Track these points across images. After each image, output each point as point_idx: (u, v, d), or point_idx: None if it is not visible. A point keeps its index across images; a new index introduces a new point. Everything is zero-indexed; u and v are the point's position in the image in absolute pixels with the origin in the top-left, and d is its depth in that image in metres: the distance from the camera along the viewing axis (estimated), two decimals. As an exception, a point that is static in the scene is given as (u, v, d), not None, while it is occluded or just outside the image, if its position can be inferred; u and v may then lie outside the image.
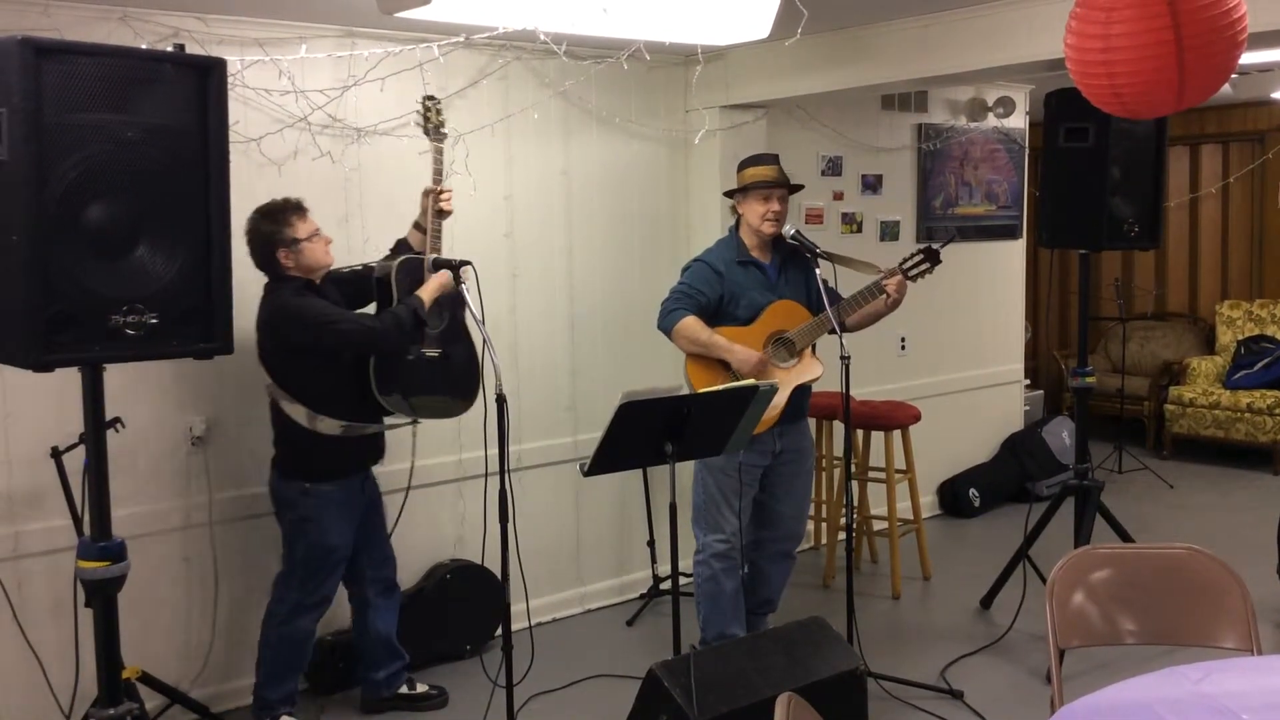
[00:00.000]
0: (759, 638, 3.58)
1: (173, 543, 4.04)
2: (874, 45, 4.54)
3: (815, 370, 4.12)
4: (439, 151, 3.88)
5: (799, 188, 4.21)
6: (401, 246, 3.98)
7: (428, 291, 3.75)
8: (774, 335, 4.07)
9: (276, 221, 3.68)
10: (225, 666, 4.15)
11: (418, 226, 3.95)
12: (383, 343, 3.70)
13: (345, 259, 4.30)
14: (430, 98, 3.90)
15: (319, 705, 4.13)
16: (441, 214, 3.87)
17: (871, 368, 5.91)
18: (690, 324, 4.00)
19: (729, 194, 4.21)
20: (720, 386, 3.56)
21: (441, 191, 3.87)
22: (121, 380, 3.64)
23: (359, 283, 3.97)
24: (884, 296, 4.02)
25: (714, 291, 4.06)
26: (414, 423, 3.97)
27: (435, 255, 3.80)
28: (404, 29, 4.22)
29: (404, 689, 4.12)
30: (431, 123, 3.88)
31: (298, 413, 3.72)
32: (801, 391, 4.14)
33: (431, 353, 3.83)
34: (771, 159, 4.15)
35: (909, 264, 4.05)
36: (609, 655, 4.58)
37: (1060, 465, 6.81)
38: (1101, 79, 2.45)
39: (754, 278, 4.12)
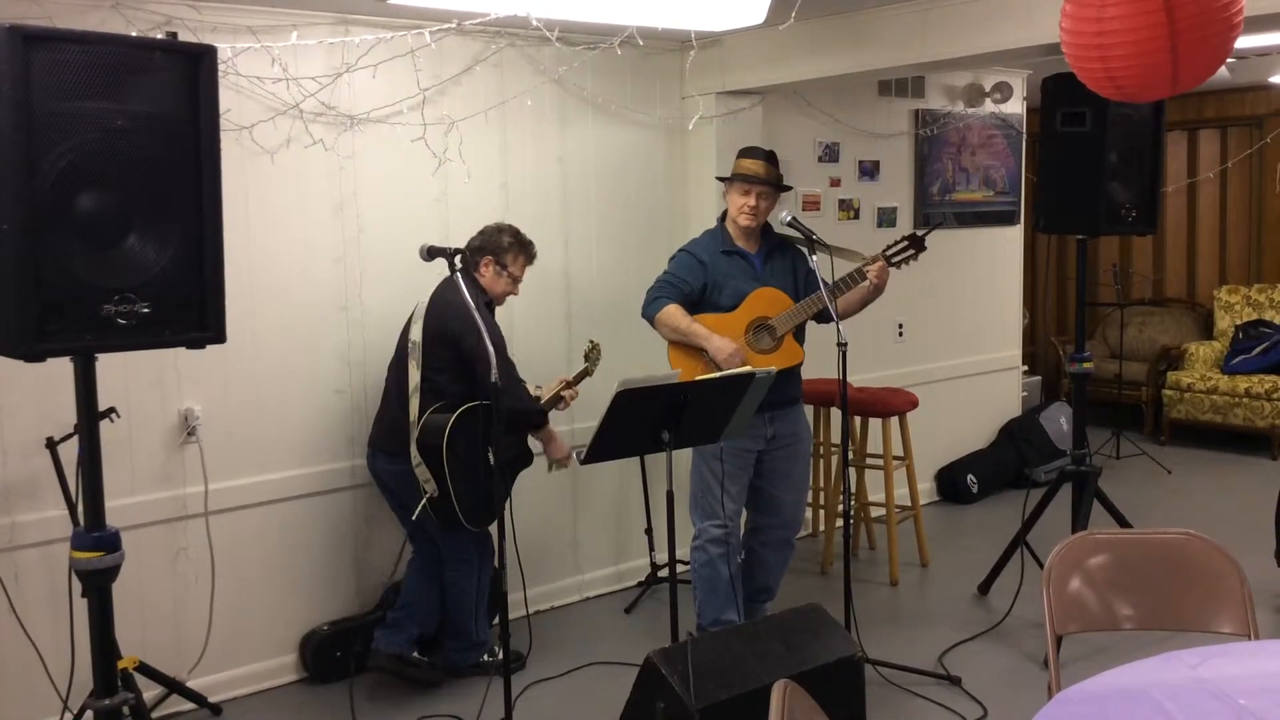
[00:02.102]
0: (757, 625, 3.58)
1: (169, 533, 4.03)
2: (871, 30, 4.53)
3: (796, 356, 4.12)
4: (588, 373, 4.41)
5: (785, 188, 4.22)
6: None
7: (551, 431, 4.22)
8: (755, 321, 4.08)
9: (515, 246, 4.11)
10: (222, 656, 4.14)
11: (538, 388, 4.30)
12: (509, 411, 3.83)
13: (339, 248, 4.31)
14: (595, 344, 4.46)
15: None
16: (560, 402, 4.28)
17: (869, 354, 5.91)
18: (671, 312, 4.05)
19: (722, 179, 4.22)
20: (716, 374, 3.55)
21: (573, 390, 4.32)
22: (116, 370, 3.63)
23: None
24: (866, 283, 4.03)
25: (697, 280, 4.10)
26: (423, 499, 3.92)
27: (429, 245, 3.76)
28: (397, 15, 4.20)
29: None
30: (590, 360, 4.43)
31: (414, 379, 3.94)
32: (791, 378, 4.14)
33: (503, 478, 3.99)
34: (763, 154, 4.16)
35: (892, 250, 4.08)
36: (607, 643, 4.58)
37: (1058, 451, 6.81)
38: (1096, 63, 2.44)
39: (738, 267, 4.14)
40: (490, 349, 3.36)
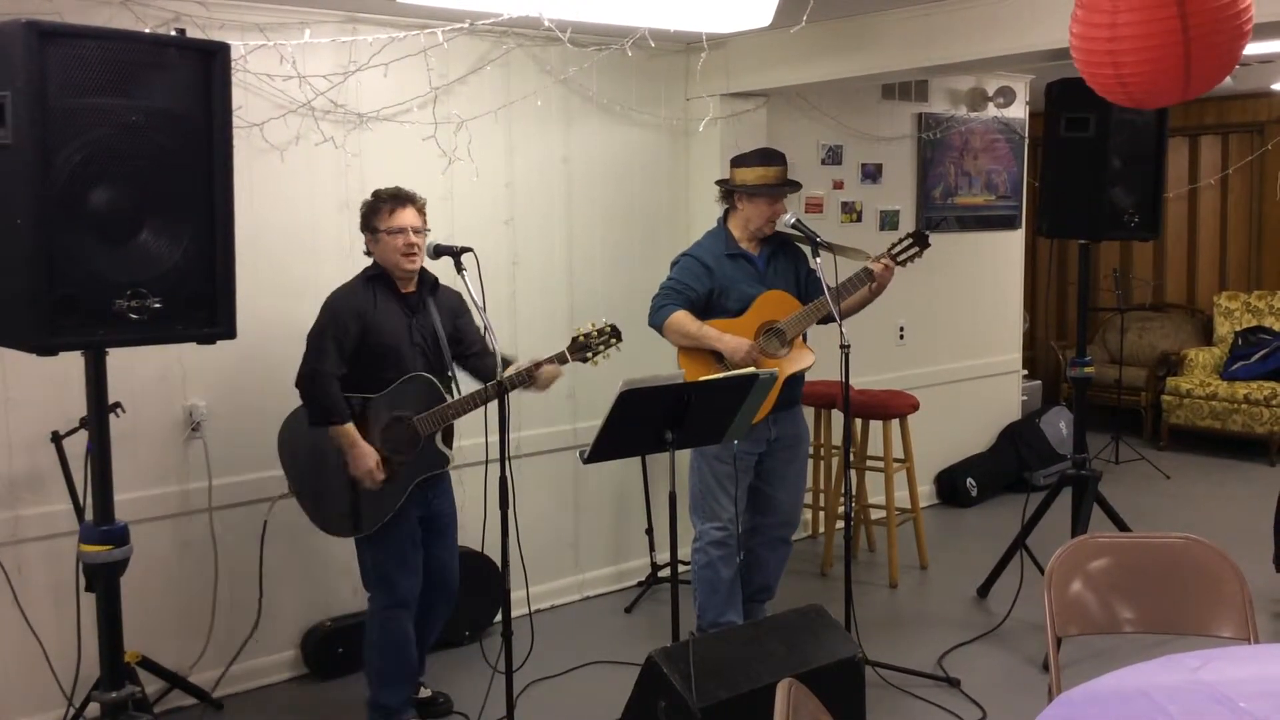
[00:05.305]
0: (758, 625, 3.59)
1: (172, 528, 4.04)
2: (876, 34, 4.54)
3: (807, 359, 4.13)
4: (564, 360, 3.69)
5: (796, 185, 4.22)
6: (503, 366, 3.59)
7: (352, 439, 3.59)
8: (765, 325, 4.08)
9: (374, 204, 3.66)
10: (224, 651, 4.15)
11: (536, 363, 3.67)
12: (303, 392, 3.65)
13: (346, 245, 4.31)
14: (617, 333, 3.71)
15: None
16: (529, 381, 3.65)
17: (870, 357, 5.92)
18: (680, 318, 4.02)
19: (731, 190, 4.16)
20: (720, 375, 3.56)
21: (545, 375, 3.66)
22: (121, 365, 3.64)
23: (471, 342, 3.89)
24: (872, 283, 4.04)
25: (703, 286, 4.08)
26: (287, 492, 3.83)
27: (435, 243, 3.73)
28: (407, 15, 4.21)
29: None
30: (592, 347, 3.69)
31: None
32: (794, 380, 4.15)
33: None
34: (780, 159, 4.13)
35: (898, 249, 4.09)
36: (608, 642, 4.60)
37: (1058, 455, 6.83)
38: (1107, 68, 2.45)
39: (743, 269, 4.13)
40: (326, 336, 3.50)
